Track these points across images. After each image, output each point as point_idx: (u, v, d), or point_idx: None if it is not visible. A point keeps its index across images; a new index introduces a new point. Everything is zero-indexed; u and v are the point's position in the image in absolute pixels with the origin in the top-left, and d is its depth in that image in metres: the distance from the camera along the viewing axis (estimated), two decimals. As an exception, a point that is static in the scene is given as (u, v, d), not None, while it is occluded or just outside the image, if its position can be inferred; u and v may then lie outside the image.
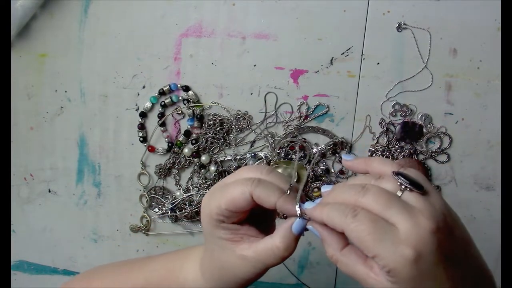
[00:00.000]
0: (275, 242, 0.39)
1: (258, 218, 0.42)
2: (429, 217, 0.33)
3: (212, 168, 0.70)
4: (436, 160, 0.67)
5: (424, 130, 0.66)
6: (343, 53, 0.64)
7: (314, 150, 0.67)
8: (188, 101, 0.68)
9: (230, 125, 0.69)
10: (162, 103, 0.69)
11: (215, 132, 0.69)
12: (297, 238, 0.39)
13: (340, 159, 0.68)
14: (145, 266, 0.48)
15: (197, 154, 0.70)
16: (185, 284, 0.45)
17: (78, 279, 0.54)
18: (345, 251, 0.36)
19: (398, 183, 0.34)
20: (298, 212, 0.37)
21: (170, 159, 0.71)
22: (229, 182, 0.40)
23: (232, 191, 0.38)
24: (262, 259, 0.39)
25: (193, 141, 0.69)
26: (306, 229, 0.39)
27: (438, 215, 0.33)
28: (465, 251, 0.35)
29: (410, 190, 0.34)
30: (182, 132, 0.70)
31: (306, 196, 0.68)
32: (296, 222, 0.38)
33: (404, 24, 0.63)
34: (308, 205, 0.37)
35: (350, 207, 0.34)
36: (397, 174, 0.35)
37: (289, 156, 0.68)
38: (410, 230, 0.32)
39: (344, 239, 0.36)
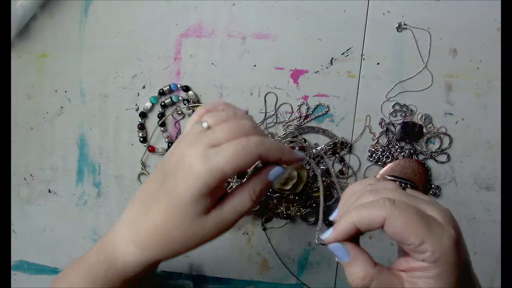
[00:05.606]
0: (249, 185, 0.38)
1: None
2: (445, 208, 0.32)
3: (212, 168, 0.70)
4: (436, 160, 0.67)
5: (424, 130, 0.66)
6: (343, 53, 0.64)
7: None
8: (188, 101, 0.68)
9: (230, 125, 0.69)
10: (162, 103, 0.69)
11: (215, 132, 0.69)
12: (265, 189, 0.38)
13: (340, 160, 0.68)
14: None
15: (197, 154, 0.70)
16: (125, 266, 0.44)
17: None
18: (379, 267, 0.34)
19: (398, 183, 0.34)
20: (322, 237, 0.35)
21: (170, 159, 0.71)
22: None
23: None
24: (227, 209, 0.38)
25: (193, 141, 0.69)
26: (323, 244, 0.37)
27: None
28: (467, 268, 0.34)
29: (411, 187, 0.34)
30: (182, 132, 0.70)
31: (308, 196, 0.68)
32: (276, 169, 0.37)
33: (404, 24, 0.63)
34: (326, 233, 0.35)
35: (383, 198, 0.32)
36: (392, 177, 0.35)
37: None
38: (445, 214, 0.31)
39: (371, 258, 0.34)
